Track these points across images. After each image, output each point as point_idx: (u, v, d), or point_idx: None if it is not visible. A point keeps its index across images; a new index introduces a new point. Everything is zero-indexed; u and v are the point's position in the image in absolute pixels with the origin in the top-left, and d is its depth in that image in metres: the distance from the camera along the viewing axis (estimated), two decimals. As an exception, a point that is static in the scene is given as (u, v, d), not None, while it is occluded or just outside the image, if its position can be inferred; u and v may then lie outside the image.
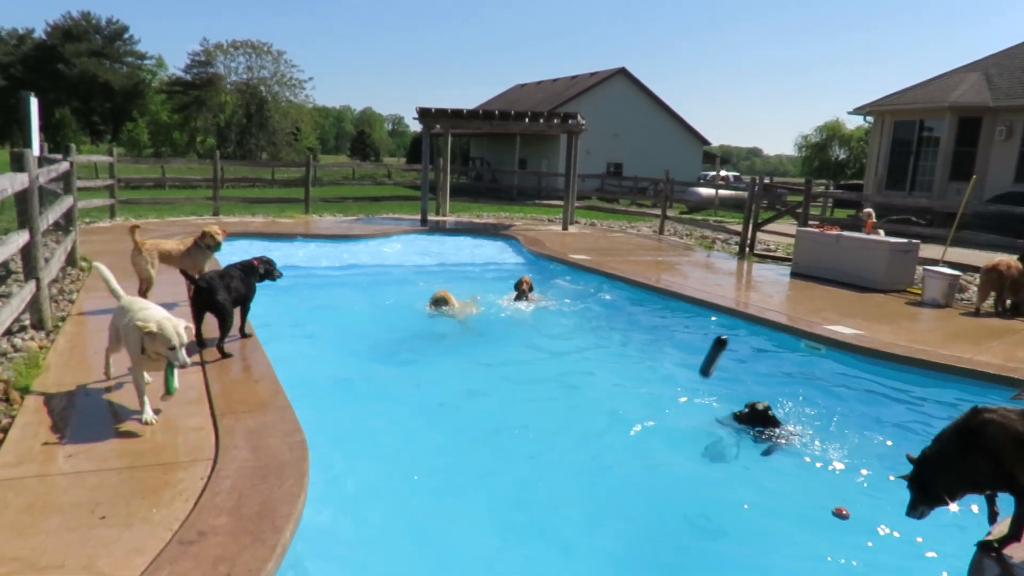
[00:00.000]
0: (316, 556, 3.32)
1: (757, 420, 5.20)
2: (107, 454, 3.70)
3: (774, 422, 5.19)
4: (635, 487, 4.46)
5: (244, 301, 6.22)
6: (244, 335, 6.19)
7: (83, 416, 4.21)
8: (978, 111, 20.01)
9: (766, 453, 4.91)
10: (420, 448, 4.81)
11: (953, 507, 3.13)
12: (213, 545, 2.90)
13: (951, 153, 20.50)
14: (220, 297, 5.68)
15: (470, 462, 4.68)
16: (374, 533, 3.73)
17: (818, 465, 4.72)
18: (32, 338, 5.72)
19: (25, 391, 4.50)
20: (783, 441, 5.05)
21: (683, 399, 5.81)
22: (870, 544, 3.73)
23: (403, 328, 7.84)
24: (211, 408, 4.37)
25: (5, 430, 3.95)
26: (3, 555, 2.79)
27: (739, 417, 5.27)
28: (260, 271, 6.27)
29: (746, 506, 4.22)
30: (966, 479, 3.02)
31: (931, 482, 3.04)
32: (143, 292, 6.75)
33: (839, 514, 3.86)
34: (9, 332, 5.71)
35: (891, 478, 3.17)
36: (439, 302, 8.29)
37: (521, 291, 9.00)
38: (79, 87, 66.92)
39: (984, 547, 3.08)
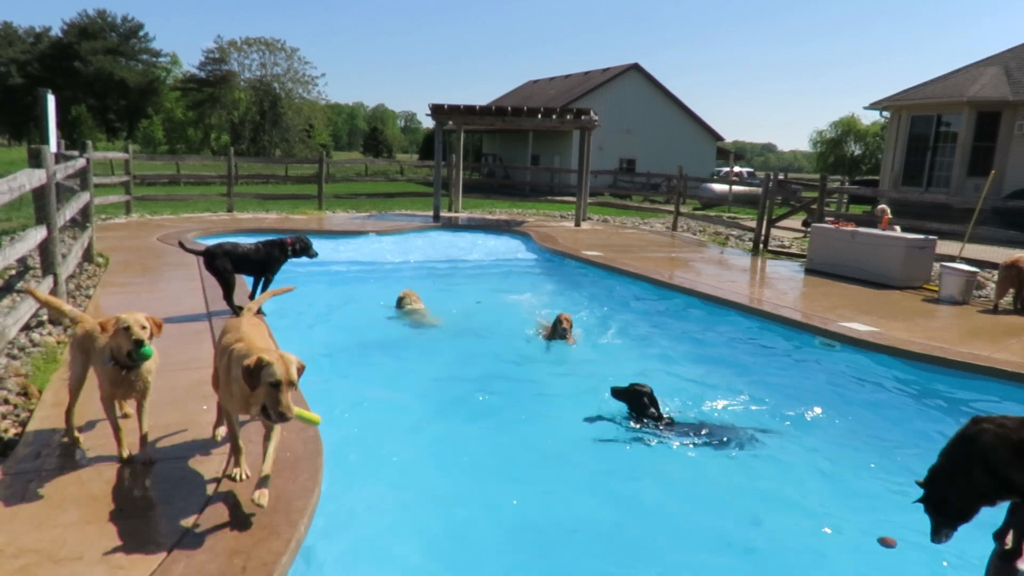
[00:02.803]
0: (330, 550, 3.34)
1: (630, 399, 5.20)
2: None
3: (652, 407, 5.17)
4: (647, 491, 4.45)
5: (259, 272, 6.82)
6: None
7: (100, 410, 4.23)
8: (997, 106, 19.72)
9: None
10: (434, 444, 4.82)
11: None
12: (229, 538, 2.92)
13: (969, 148, 20.22)
14: (217, 263, 6.48)
15: (483, 457, 4.68)
16: (388, 528, 3.74)
17: (831, 464, 4.68)
18: (50, 333, 5.78)
19: (43, 386, 4.56)
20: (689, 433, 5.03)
21: (695, 398, 5.78)
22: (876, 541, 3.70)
23: (416, 325, 7.85)
24: (226, 403, 4.40)
25: (24, 424, 4.00)
26: (22, 547, 2.82)
27: (615, 392, 5.28)
28: (294, 248, 6.89)
29: (757, 504, 4.20)
30: (974, 492, 2.95)
31: (944, 499, 2.96)
32: None
33: (885, 543, 3.73)
34: (27, 327, 5.78)
35: (916, 481, 3.10)
36: (401, 300, 8.20)
37: (560, 329, 7.17)
38: (95, 84, 67.50)
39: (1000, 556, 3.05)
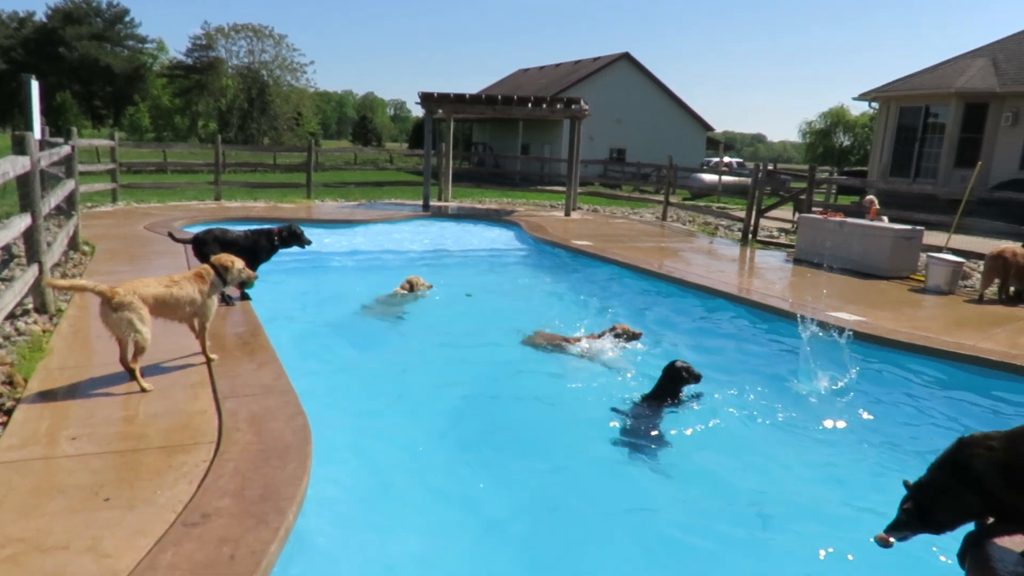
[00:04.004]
0: (319, 538, 3.34)
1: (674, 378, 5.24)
2: (110, 437, 3.71)
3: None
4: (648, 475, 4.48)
5: (248, 260, 6.83)
6: (242, 295, 6.75)
7: (86, 399, 4.22)
8: (984, 97, 19.85)
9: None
10: (423, 432, 4.82)
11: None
12: (217, 527, 2.91)
13: (956, 139, 20.36)
14: (207, 249, 6.48)
15: (470, 443, 4.70)
16: (377, 516, 3.74)
17: (817, 452, 4.73)
18: (35, 322, 5.73)
19: (29, 374, 4.52)
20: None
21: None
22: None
23: (403, 313, 7.84)
24: (214, 392, 4.38)
25: (9, 413, 3.97)
26: (9, 536, 2.80)
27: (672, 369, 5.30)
28: (280, 237, 6.87)
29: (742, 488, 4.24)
30: (962, 510, 2.98)
31: (930, 511, 2.98)
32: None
33: (881, 542, 3.69)
34: (12, 316, 5.72)
35: (904, 482, 3.11)
36: (411, 284, 8.24)
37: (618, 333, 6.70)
38: (80, 71, 66.63)
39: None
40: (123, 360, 4.38)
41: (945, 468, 2.99)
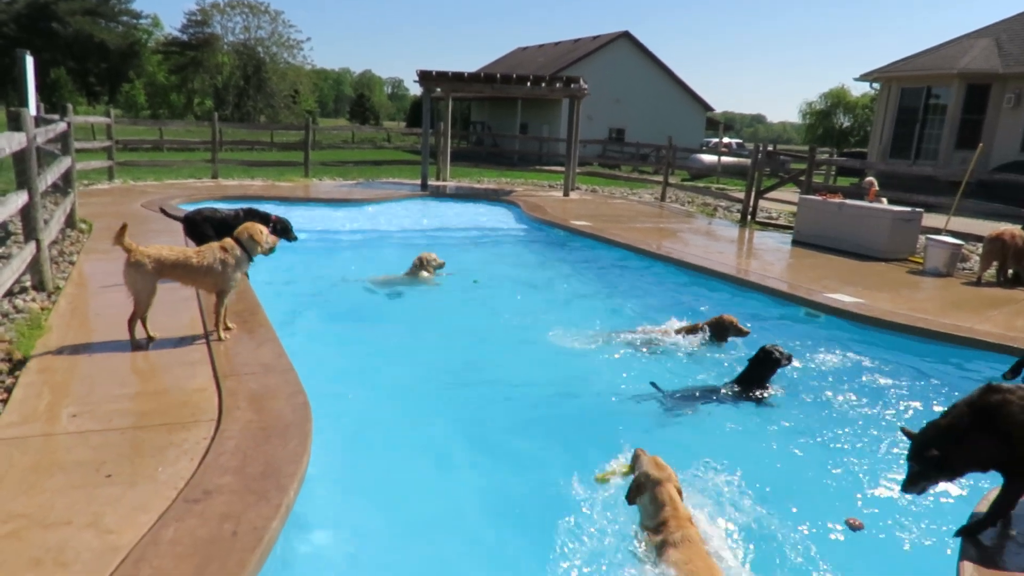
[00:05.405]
0: (319, 515, 3.36)
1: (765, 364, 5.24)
2: (111, 414, 3.72)
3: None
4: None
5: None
6: None
7: (86, 377, 4.23)
8: (987, 78, 19.71)
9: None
10: (423, 410, 4.84)
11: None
12: (218, 503, 2.93)
13: (958, 121, 20.26)
14: (199, 229, 6.54)
15: (469, 418, 4.72)
16: (377, 493, 3.76)
17: (814, 434, 4.75)
18: (34, 299, 5.72)
19: (28, 352, 4.52)
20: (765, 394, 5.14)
21: (679, 370, 5.83)
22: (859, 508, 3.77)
23: (402, 292, 7.84)
24: (214, 369, 4.39)
25: (9, 390, 3.97)
26: (11, 512, 2.82)
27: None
28: (275, 226, 6.75)
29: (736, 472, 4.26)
30: (975, 457, 2.90)
31: (944, 457, 2.87)
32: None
33: (851, 525, 3.62)
34: (10, 293, 5.71)
35: (902, 428, 3.01)
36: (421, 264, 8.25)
37: (729, 330, 6.19)
38: (74, 47, 65.74)
39: (965, 534, 3.01)
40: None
41: (969, 413, 2.89)
